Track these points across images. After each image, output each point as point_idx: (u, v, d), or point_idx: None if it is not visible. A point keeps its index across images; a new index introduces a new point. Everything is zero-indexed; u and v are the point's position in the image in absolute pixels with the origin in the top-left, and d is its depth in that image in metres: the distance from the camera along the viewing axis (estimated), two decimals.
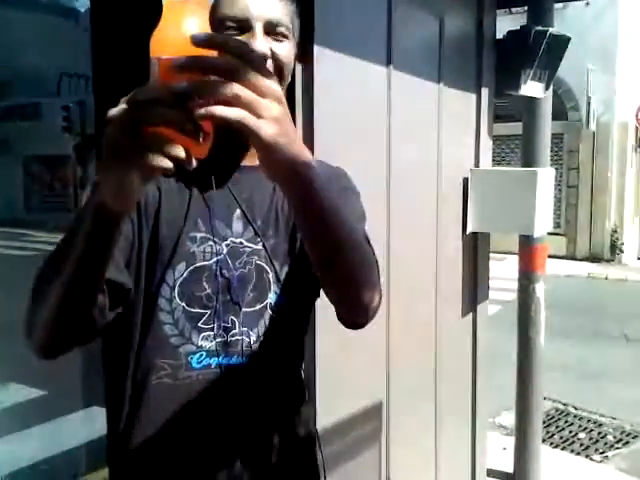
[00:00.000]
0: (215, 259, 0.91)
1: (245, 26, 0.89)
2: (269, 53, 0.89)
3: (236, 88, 0.56)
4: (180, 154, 0.57)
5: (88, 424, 3.19)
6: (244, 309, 0.93)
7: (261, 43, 0.88)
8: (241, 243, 0.94)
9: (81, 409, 3.33)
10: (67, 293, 0.74)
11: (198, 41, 0.56)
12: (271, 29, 0.90)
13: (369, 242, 0.90)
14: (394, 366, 2.01)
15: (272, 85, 0.59)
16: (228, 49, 0.57)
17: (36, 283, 0.79)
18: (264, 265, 0.95)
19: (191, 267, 0.90)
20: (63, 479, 2.90)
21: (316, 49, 1.58)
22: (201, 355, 0.92)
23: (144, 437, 0.92)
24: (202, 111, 0.55)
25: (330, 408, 1.68)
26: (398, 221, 2.00)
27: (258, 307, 0.95)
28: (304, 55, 1.58)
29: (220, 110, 0.56)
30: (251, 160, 0.96)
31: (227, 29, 0.88)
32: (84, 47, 1.71)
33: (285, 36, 0.92)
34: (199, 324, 0.91)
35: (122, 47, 1.61)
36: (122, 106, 0.57)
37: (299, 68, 1.55)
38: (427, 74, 2.18)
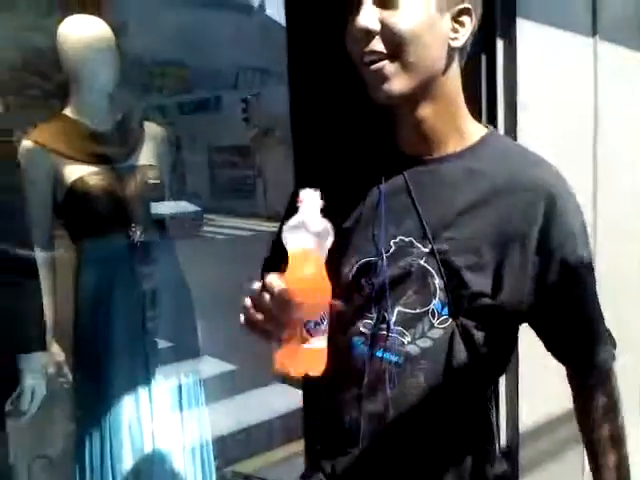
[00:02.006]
0: (383, 256, 0.93)
1: None
2: (371, 26, 0.86)
3: None
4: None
5: (278, 399, 3.34)
6: (400, 308, 0.93)
7: (364, 17, 0.86)
8: (411, 243, 0.93)
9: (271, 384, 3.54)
10: None
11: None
12: None
13: None
14: None
15: None
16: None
17: None
18: (429, 268, 0.91)
19: (361, 261, 0.95)
20: (254, 451, 3.07)
21: (518, 21, 1.47)
22: (359, 341, 0.95)
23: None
24: None
25: (531, 409, 1.60)
26: (605, 211, 1.82)
27: (418, 310, 0.92)
28: (503, 29, 1.49)
29: None
30: (438, 151, 0.94)
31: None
32: (258, 41, 1.77)
33: (395, 4, 0.86)
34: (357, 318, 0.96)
35: (316, 42, 1.64)
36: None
37: (500, 45, 1.46)
38: (638, 45, 1.95)
